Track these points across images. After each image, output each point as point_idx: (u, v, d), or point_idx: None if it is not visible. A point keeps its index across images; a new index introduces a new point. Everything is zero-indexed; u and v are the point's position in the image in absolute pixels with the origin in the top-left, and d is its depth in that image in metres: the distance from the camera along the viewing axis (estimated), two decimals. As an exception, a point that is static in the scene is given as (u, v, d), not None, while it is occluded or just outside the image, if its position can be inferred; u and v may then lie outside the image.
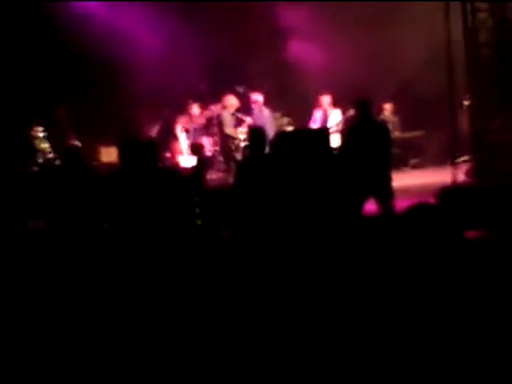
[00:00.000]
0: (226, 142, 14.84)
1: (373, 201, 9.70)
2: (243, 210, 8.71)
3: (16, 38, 14.14)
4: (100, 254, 8.05)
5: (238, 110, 15.21)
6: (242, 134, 14.27)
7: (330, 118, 15.38)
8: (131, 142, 9.08)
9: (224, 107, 15.11)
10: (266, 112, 15.05)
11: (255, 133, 9.18)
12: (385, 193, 9.57)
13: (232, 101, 15.15)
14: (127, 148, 8.56)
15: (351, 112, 14.87)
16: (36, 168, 13.08)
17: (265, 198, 8.44)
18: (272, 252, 7.73)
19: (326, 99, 15.48)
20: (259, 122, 14.39)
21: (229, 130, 14.89)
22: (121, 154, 8.70)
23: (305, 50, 17.02)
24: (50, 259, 7.95)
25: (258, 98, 15.11)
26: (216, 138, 15.27)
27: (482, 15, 12.33)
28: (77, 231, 8.42)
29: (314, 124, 15.39)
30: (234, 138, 14.73)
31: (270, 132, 13.02)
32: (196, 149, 12.31)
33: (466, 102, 13.98)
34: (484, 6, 12.26)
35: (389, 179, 9.73)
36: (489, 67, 12.24)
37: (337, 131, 14.98)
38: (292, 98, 17.09)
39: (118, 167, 8.74)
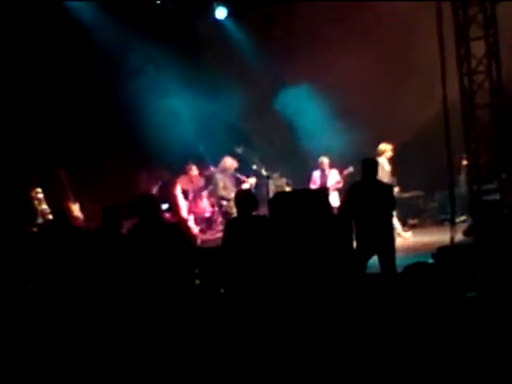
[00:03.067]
0: (220, 203, 14.97)
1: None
2: (231, 269, 8.73)
3: (17, 97, 14.23)
4: (101, 310, 8.04)
5: (236, 171, 15.36)
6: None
7: (329, 178, 15.55)
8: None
9: (223, 170, 15.25)
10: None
11: (242, 195, 9.27)
12: (388, 252, 9.60)
13: (229, 162, 15.28)
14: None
15: (348, 170, 15.05)
16: (35, 229, 13.06)
17: (254, 258, 8.45)
18: (268, 312, 7.71)
19: (325, 160, 15.69)
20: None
21: (222, 191, 15.02)
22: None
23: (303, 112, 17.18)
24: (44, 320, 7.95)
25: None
26: (214, 199, 15.34)
27: (478, 77, 12.45)
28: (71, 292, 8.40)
29: (314, 185, 15.54)
30: (227, 200, 14.84)
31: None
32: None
33: (464, 162, 14.07)
34: (481, 68, 12.39)
35: (392, 239, 9.78)
36: (486, 128, 12.32)
37: (336, 190, 15.15)
38: (291, 159, 17.18)
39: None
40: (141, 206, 8.62)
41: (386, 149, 15.08)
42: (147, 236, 8.46)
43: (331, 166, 15.75)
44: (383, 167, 14.77)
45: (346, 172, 15.34)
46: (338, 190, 15.32)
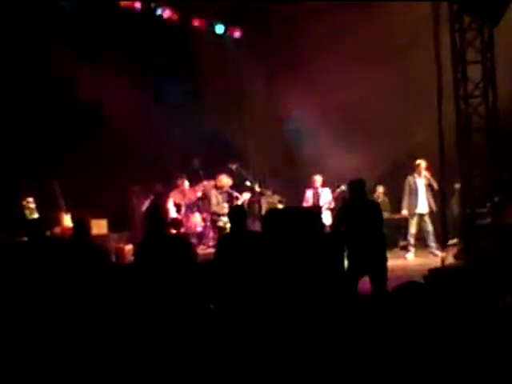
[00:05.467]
0: (213, 218, 14.97)
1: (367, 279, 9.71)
2: (222, 285, 8.66)
3: (10, 106, 14.15)
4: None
5: (232, 187, 15.36)
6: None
7: (322, 196, 15.59)
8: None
9: (217, 187, 15.24)
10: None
11: (235, 211, 9.22)
12: (380, 272, 9.57)
13: (225, 181, 15.27)
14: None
15: (340, 189, 15.11)
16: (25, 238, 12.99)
17: (246, 273, 8.40)
18: (259, 328, 7.67)
19: (318, 179, 15.75)
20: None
21: (215, 207, 15.01)
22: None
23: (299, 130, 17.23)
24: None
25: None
26: (206, 214, 15.33)
27: (474, 101, 12.50)
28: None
29: (306, 203, 15.58)
30: (220, 215, 14.83)
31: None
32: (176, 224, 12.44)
33: (457, 186, 14.11)
34: (476, 92, 12.44)
35: (384, 259, 9.76)
36: (480, 152, 12.36)
37: (328, 209, 15.21)
38: (285, 177, 17.21)
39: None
40: (150, 219, 8.45)
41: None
42: (157, 250, 8.33)
43: (324, 185, 15.81)
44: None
45: (338, 191, 15.38)
46: (331, 209, 15.36)
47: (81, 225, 8.82)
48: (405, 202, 15.48)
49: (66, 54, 14.46)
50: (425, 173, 15.33)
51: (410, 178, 15.51)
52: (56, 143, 14.78)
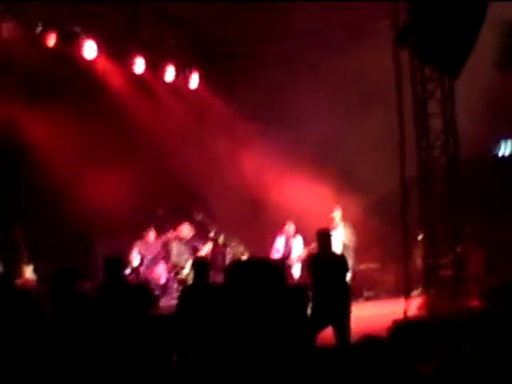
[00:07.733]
0: (176, 270, 14.84)
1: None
2: (184, 338, 8.62)
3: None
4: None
5: (196, 238, 15.25)
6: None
7: (294, 247, 15.37)
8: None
9: (178, 238, 15.14)
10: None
11: (198, 263, 9.22)
12: (343, 324, 9.58)
13: (185, 231, 15.17)
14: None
15: (312, 246, 14.95)
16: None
17: (208, 328, 8.35)
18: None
19: (290, 227, 15.54)
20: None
21: (176, 258, 14.89)
22: None
23: (265, 182, 17.17)
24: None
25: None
26: (170, 265, 15.22)
27: (435, 152, 12.60)
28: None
29: (277, 253, 15.33)
30: (181, 267, 14.72)
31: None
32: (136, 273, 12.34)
33: (419, 237, 14.13)
34: (437, 143, 12.54)
35: (348, 311, 9.77)
36: (442, 202, 12.43)
37: (299, 260, 15.01)
38: (253, 225, 17.12)
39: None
40: (106, 267, 8.61)
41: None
42: (112, 297, 8.36)
43: (296, 233, 15.63)
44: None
45: (310, 248, 15.05)
46: (302, 260, 15.12)
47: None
48: None
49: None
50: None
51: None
52: (19, 191, 14.66)
